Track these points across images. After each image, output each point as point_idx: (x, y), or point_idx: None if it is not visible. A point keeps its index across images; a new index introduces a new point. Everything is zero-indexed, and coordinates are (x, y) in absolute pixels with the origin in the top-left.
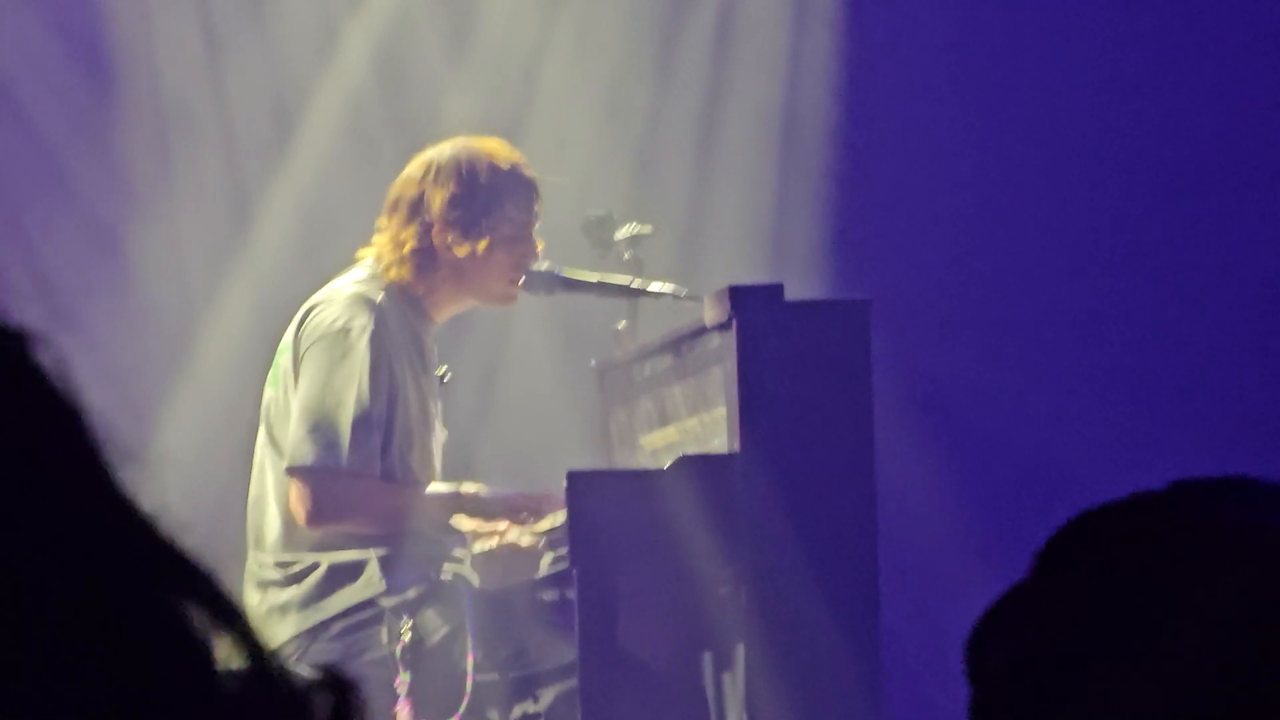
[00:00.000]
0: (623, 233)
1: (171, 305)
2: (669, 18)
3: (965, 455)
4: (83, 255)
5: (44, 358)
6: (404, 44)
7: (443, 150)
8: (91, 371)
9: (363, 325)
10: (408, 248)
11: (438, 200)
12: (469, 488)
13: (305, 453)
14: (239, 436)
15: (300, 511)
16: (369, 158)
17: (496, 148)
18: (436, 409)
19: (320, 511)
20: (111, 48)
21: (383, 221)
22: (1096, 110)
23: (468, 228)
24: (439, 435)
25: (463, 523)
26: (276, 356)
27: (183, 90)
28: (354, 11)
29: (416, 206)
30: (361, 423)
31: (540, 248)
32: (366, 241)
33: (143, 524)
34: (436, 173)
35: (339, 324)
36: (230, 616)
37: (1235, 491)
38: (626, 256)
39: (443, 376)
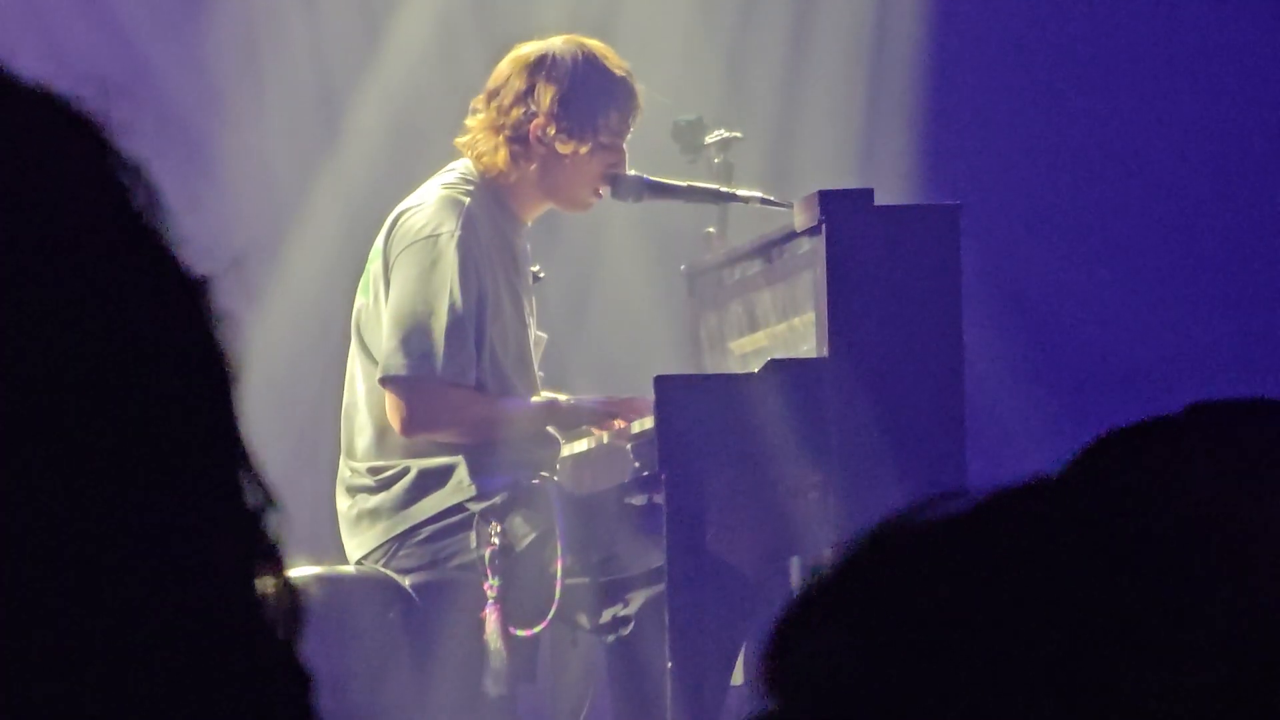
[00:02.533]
0: (712, 138)
1: (262, 210)
2: None
3: (1053, 359)
4: (171, 165)
5: (218, 307)
6: None
7: (558, 46)
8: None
9: (451, 230)
10: (506, 134)
11: (548, 94)
12: (561, 397)
13: (398, 363)
14: (331, 344)
15: (395, 421)
16: (458, 62)
17: (608, 52)
18: (532, 309)
19: (414, 421)
20: None
21: (480, 105)
22: (1199, 16)
23: (574, 126)
24: (536, 337)
25: (556, 431)
26: (367, 264)
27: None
28: None
29: (523, 96)
30: (454, 331)
31: (626, 156)
32: (455, 148)
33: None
34: (551, 66)
35: (427, 230)
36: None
37: (1257, 412)
38: (716, 161)
39: (536, 275)
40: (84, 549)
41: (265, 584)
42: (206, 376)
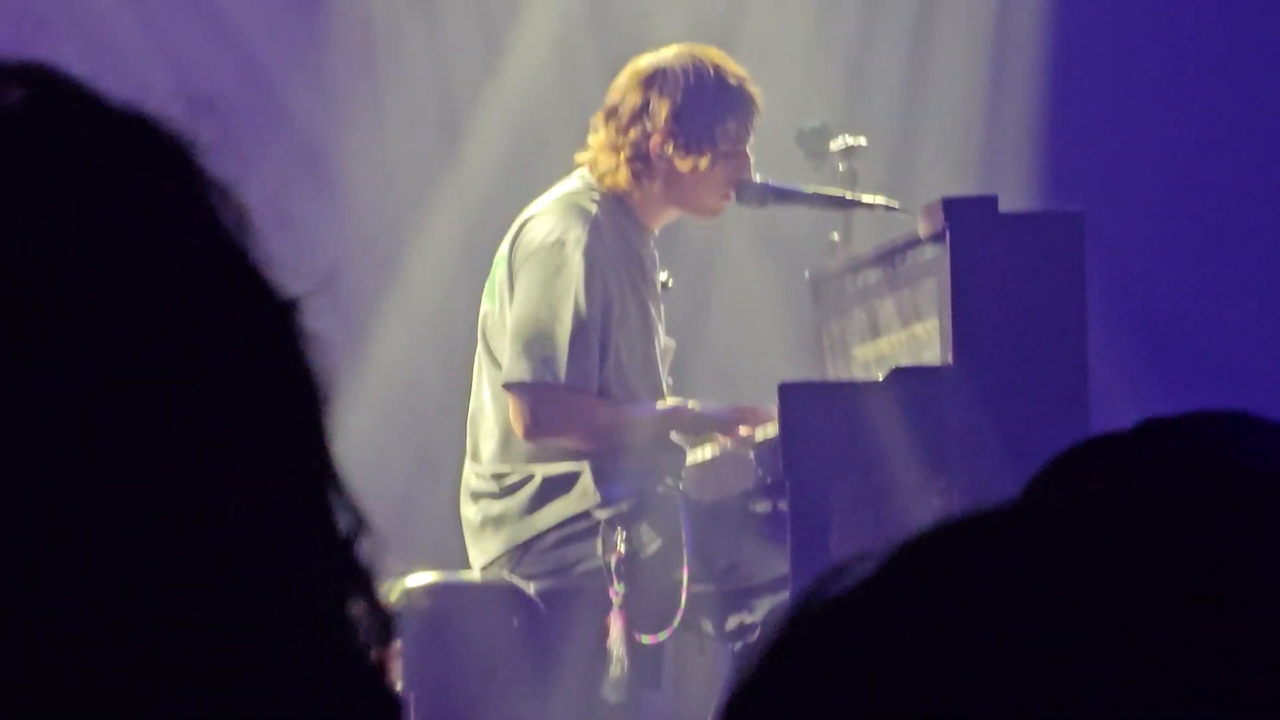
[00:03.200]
0: (836, 145)
1: (382, 221)
2: None
3: (1178, 368)
4: (293, 173)
5: (304, 327)
6: None
7: (669, 58)
8: (304, 288)
9: (577, 237)
10: (625, 154)
11: (663, 110)
12: (684, 403)
13: (522, 368)
14: (454, 350)
15: (518, 426)
16: (577, 69)
17: (722, 60)
18: (660, 316)
19: (538, 426)
20: None
21: (598, 123)
22: None
23: (690, 141)
24: (664, 344)
25: (679, 437)
26: (493, 270)
27: (391, 6)
28: None
29: (639, 113)
30: (578, 337)
31: (753, 160)
32: (576, 155)
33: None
34: (664, 82)
35: (553, 236)
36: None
37: (1203, 425)
38: (840, 168)
39: (665, 283)
40: (172, 571)
41: (356, 607)
42: (294, 398)
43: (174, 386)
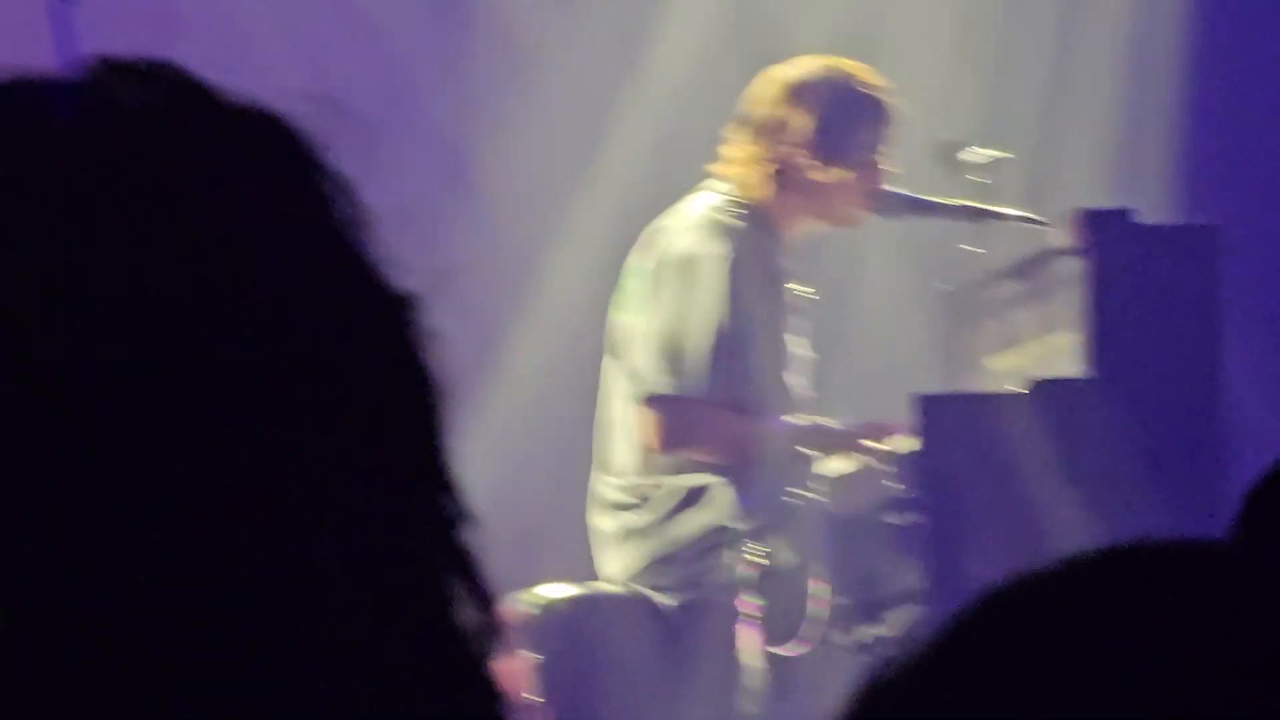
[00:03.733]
0: (974, 156)
1: (522, 227)
2: None
3: None
4: (436, 180)
5: (420, 324)
6: None
7: (806, 71)
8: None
9: (716, 251)
10: (765, 168)
11: (800, 123)
12: (818, 419)
13: (659, 380)
14: (587, 359)
15: (654, 438)
16: (719, 79)
17: (858, 71)
18: (796, 329)
19: (673, 439)
20: None
21: (735, 136)
22: None
23: (829, 153)
24: (803, 358)
25: (809, 450)
26: (624, 280)
27: (532, 10)
28: None
29: (777, 127)
30: (716, 351)
31: (891, 170)
32: (714, 161)
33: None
34: (800, 94)
35: (694, 250)
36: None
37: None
38: (977, 180)
39: (809, 296)
40: (283, 566)
41: (461, 598)
42: (403, 390)
43: (277, 375)
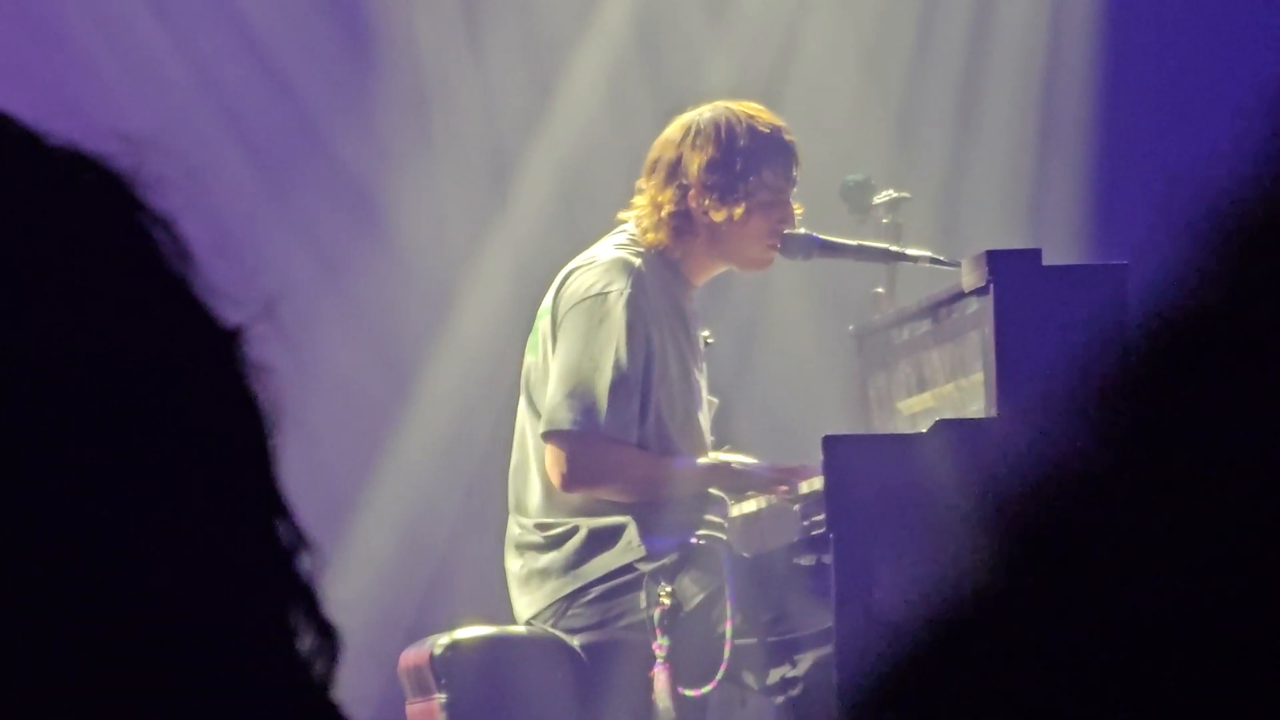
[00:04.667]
0: (881, 198)
1: (431, 268)
2: None
3: None
4: (343, 220)
5: (248, 356)
6: (663, 7)
7: (702, 113)
8: (353, 333)
9: (621, 290)
10: (665, 211)
11: (695, 164)
12: (725, 459)
13: (562, 417)
14: (500, 400)
15: (555, 475)
16: (627, 121)
17: (756, 112)
18: (701, 374)
19: (575, 476)
20: (370, 13)
21: (642, 183)
22: None
23: (725, 193)
24: (706, 402)
25: (719, 493)
26: (536, 321)
27: (441, 52)
28: None
29: (674, 169)
30: (619, 388)
31: (799, 212)
32: (625, 206)
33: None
34: (695, 136)
35: (597, 288)
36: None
37: None
38: (885, 221)
39: (706, 340)
40: (115, 592)
41: (300, 624)
42: (235, 425)
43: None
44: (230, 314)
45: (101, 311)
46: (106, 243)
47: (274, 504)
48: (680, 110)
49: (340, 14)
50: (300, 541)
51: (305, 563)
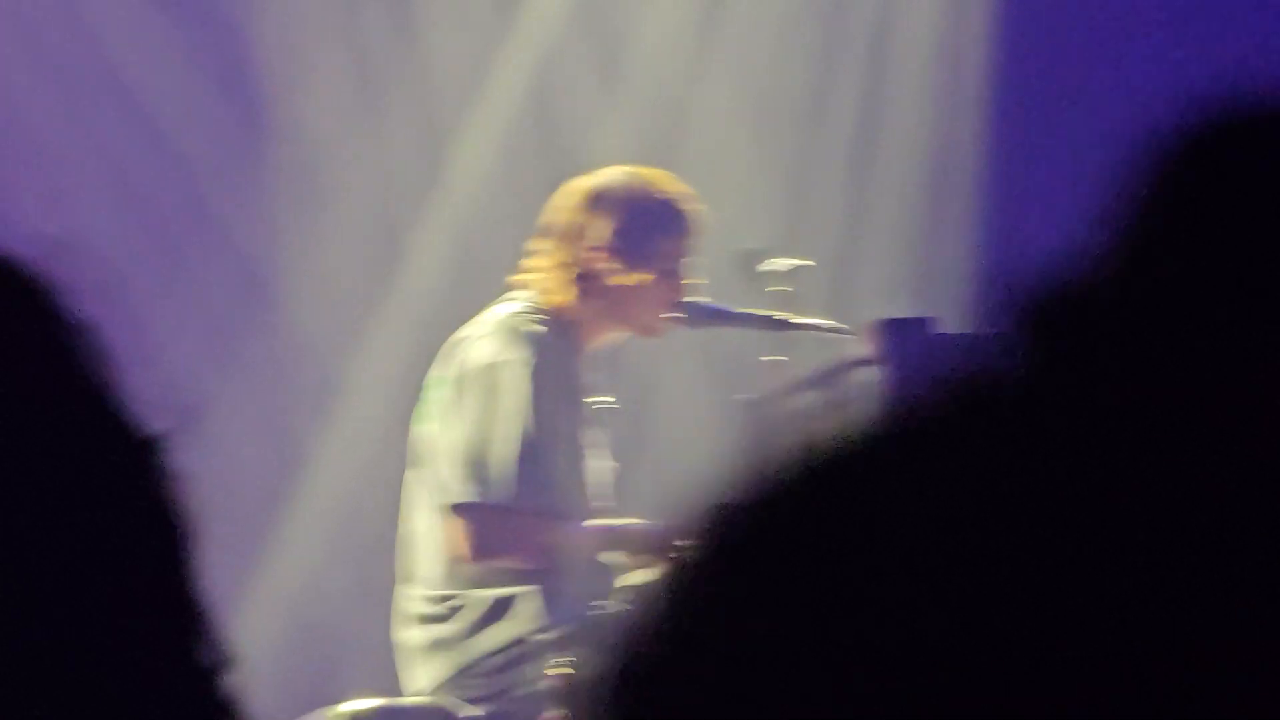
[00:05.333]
0: (775, 265)
1: (322, 338)
2: (820, 50)
3: None
4: (233, 288)
5: (166, 464)
6: (555, 72)
7: (606, 178)
8: (242, 404)
9: (519, 358)
10: (569, 274)
11: (604, 228)
12: (624, 522)
13: (464, 489)
14: (390, 472)
15: (461, 549)
16: (519, 187)
17: (659, 179)
18: (596, 439)
19: (481, 549)
20: (261, 79)
21: (540, 244)
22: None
23: (631, 259)
24: (603, 465)
25: (617, 558)
26: (427, 391)
27: (332, 121)
28: (505, 38)
29: (580, 232)
30: (519, 458)
31: (694, 281)
32: (515, 272)
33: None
34: (600, 202)
35: (497, 358)
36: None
37: None
38: (779, 289)
39: (604, 406)
40: (35, 710)
41: None
42: (151, 532)
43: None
44: (148, 421)
45: (20, 420)
46: (25, 351)
47: (194, 619)
48: (572, 176)
49: (228, 78)
50: (221, 660)
51: (225, 683)
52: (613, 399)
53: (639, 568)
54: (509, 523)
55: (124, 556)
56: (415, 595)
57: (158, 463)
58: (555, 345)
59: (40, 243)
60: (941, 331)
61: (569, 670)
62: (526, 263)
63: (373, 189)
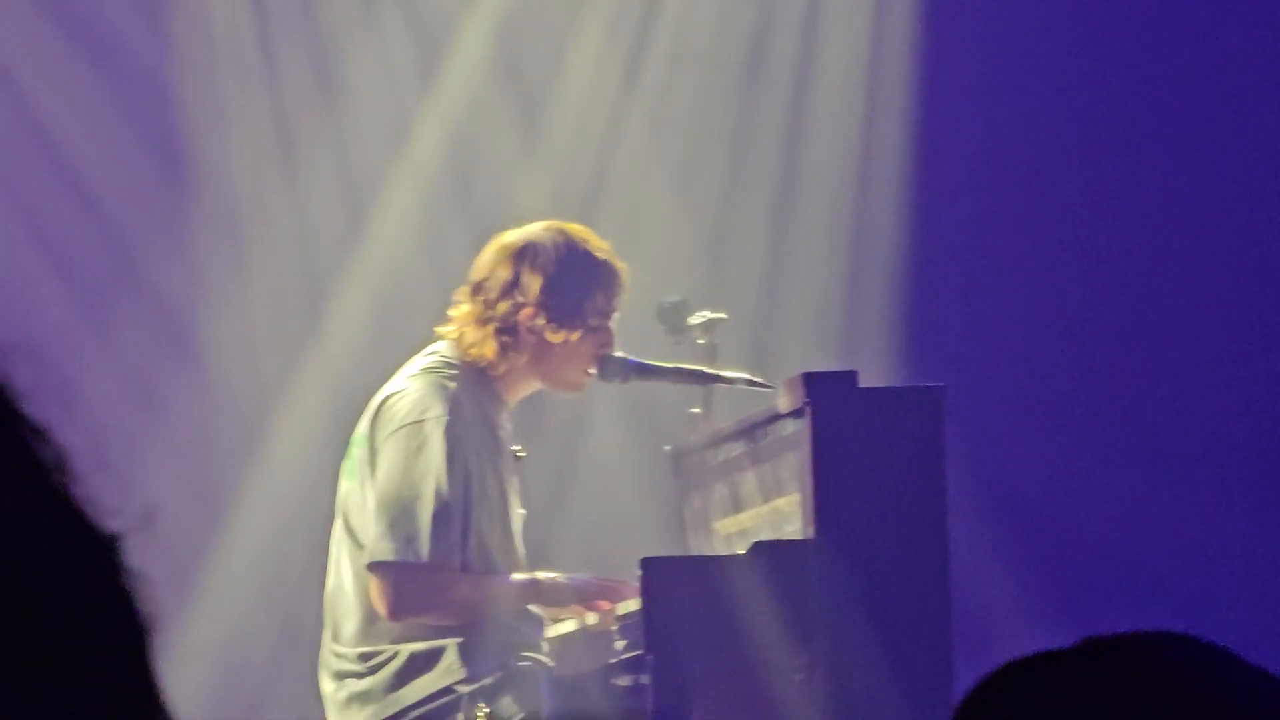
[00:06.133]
0: (696, 319)
1: (245, 393)
2: (740, 104)
3: (1037, 542)
4: (157, 344)
5: (125, 563)
6: (475, 131)
7: (539, 233)
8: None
9: (437, 415)
10: (494, 326)
11: (534, 283)
12: (545, 575)
13: (385, 548)
14: (313, 525)
15: (381, 605)
16: (440, 245)
17: (589, 235)
18: (514, 488)
19: (403, 606)
20: (184, 136)
21: (464, 296)
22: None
23: (562, 315)
24: (518, 514)
25: (539, 610)
26: (351, 448)
27: (254, 178)
28: (425, 98)
29: (510, 286)
30: (440, 515)
31: (616, 336)
32: (436, 333)
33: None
34: (535, 255)
35: (413, 415)
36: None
37: (1148, 649)
38: (701, 342)
39: (517, 454)
40: None
41: None
42: (114, 633)
43: None
44: (106, 521)
45: None
46: None
47: (154, 709)
48: (492, 234)
49: (155, 139)
50: None
51: None
52: (519, 447)
53: (564, 619)
54: (430, 580)
55: (87, 661)
56: (339, 649)
57: (117, 563)
58: (474, 399)
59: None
60: (864, 386)
61: None
62: (451, 313)
63: (296, 244)
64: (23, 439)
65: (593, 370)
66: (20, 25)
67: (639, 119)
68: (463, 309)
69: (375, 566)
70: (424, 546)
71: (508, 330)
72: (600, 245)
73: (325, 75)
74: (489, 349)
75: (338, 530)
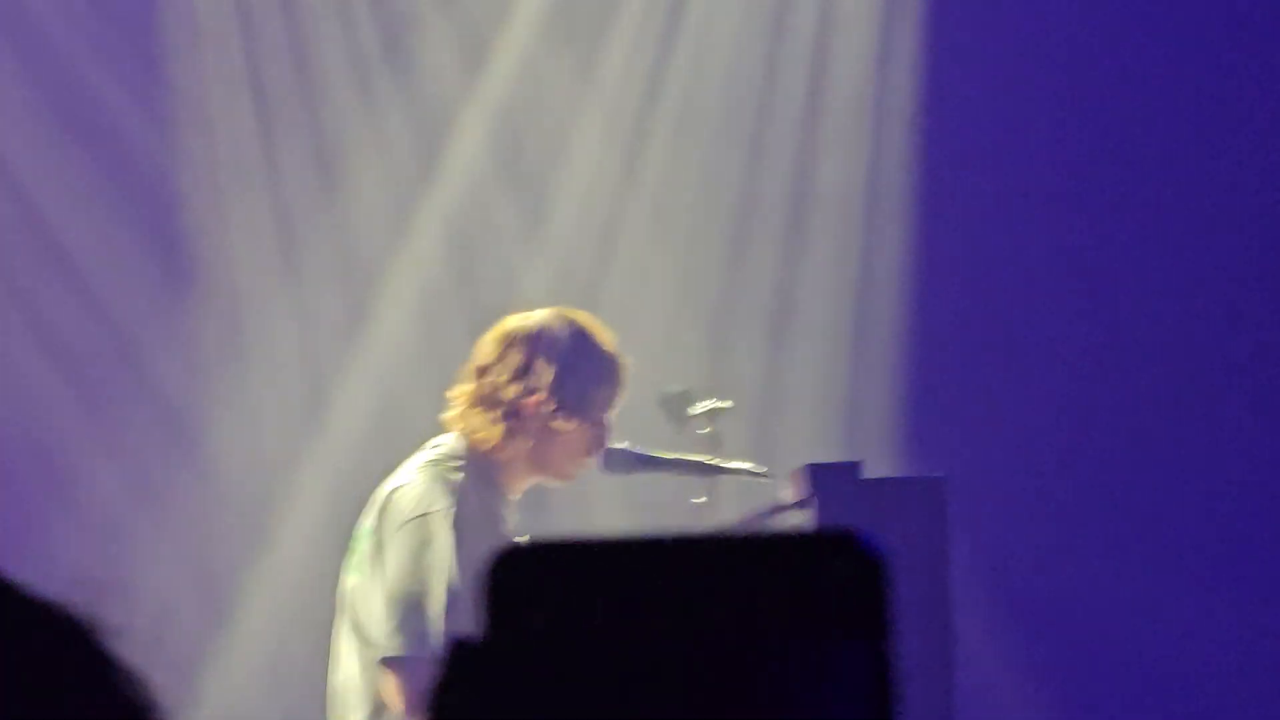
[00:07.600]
0: (699, 408)
1: (248, 488)
2: (742, 195)
3: (1042, 635)
4: (159, 438)
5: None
6: (477, 221)
7: (550, 320)
8: (170, 553)
9: (444, 509)
10: (500, 411)
11: (546, 370)
12: None
13: (397, 644)
14: (317, 619)
15: (394, 702)
16: (440, 336)
17: (597, 327)
18: None
19: (415, 702)
20: (186, 232)
21: (469, 380)
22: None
23: (571, 404)
24: None
25: None
26: (356, 542)
27: (256, 272)
28: (426, 189)
29: (524, 371)
30: (450, 610)
31: (616, 428)
32: (440, 423)
33: None
34: (548, 343)
35: (420, 509)
36: None
37: None
38: (704, 432)
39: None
40: None
41: None
42: None
43: None
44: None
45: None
46: (72, 688)
47: None
48: (494, 323)
49: (157, 236)
50: None
51: None
52: (528, 538)
53: None
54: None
55: None
56: None
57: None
58: (476, 492)
59: (79, 584)
60: (867, 477)
61: None
62: (455, 401)
63: (298, 337)
64: (113, 684)
65: (587, 463)
66: (24, 123)
67: (641, 208)
68: (466, 392)
69: (389, 662)
70: (435, 642)
71: (513, 414)
72: (607, 337)
73: (326, 168)
74: (494, 433)
75: (344, 625)
